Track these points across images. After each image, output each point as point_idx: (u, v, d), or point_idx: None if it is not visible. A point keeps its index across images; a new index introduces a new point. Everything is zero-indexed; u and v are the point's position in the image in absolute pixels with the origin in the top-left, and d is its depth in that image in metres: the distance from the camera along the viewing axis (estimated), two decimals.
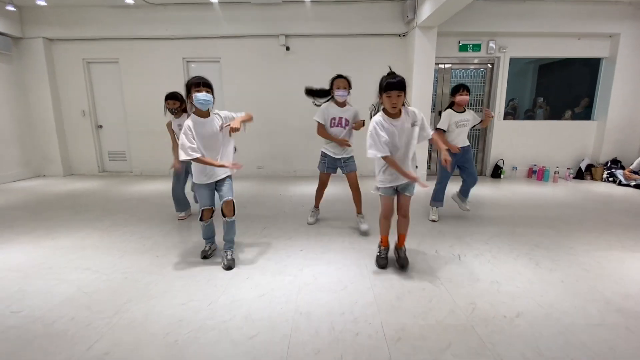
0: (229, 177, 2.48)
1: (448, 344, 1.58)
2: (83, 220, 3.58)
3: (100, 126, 6.33)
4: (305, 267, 2.42)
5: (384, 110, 2.15)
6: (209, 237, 2.62)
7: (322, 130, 3.08)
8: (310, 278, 2.24)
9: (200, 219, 2.49)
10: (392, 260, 2.46)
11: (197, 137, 2.26)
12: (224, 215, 2.44)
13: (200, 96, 2.21)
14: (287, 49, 5.71)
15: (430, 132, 2.25)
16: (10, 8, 5.18)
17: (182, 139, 2.22)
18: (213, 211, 2.52)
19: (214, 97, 2.31)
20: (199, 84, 2.22)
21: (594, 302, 1.95)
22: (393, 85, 2.01)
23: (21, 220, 3.57)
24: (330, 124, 3.05)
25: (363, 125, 3.07)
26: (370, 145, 2.09)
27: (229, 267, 2.40)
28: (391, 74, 2.06)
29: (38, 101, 5.99)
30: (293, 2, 5.43)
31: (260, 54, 5.78)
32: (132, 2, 4.93)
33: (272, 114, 5.98)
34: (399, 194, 2.30)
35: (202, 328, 1.71)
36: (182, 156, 2.20)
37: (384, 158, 2.12)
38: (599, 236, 3.05)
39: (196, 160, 2.24)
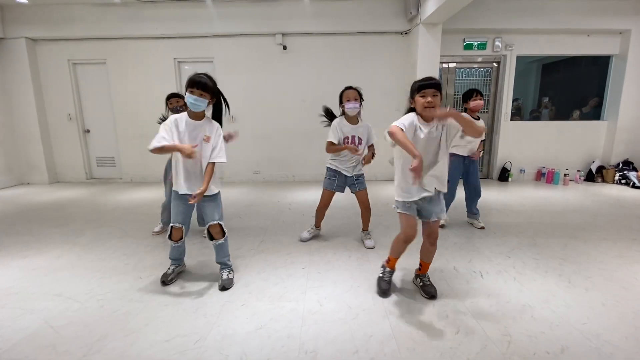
0: (216, 194, 2.16)
1: None
2: (63, 234, 3.27)
3: (88, 131, 6.00)
4: (309, 289, 2.13)
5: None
6: (176, 257, 2.28)
7: (331, 147, 2.71)
8: (315, 304, 1.95)
9: (169, 237, 2.16)
10: (402, 285, 2.18)
11: (181, 136, 2.02)
12: (211, 238, 2.17)
13: (190, 98, 1.96)
14: (284, 48, 5.43)
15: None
16: None
17: (160, 129, 1.99)
18: (184, 232, 2.17)
19: (212, 99, 2.03)
20: (193, 84, 1.95)
21: None
22: (428, 85, 1.75)
23: None
24: (344, 143, 2.71)
25: (373, 158, 2.77)
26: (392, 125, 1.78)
27: (223, 288, 2.14)
28: (425, 78, 1.80)
29: (21, 105, 5.66)
30: None
31: (256, 53, 5.49)
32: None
33: (268, 117, 5.69)
34: (425, 220, 1.95)
35: None
36: (151, 144, 1.94)
37: (392, 133, 1.74)
38: (628, 247, 2.79)
39: (160, 149, 1.93)
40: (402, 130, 1.74)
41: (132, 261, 2.60)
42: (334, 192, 2.86)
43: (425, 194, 1.87)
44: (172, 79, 5.61)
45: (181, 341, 1.63)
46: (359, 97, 2.64)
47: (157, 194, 4.91)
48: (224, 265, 2.24)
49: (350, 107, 2.60)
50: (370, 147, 2.79)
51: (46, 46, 5.65)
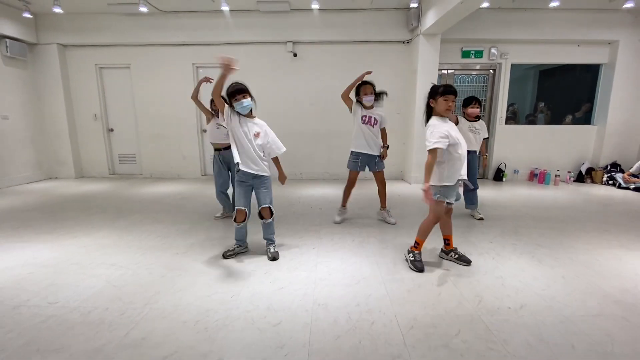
0: (267, 178, 2.62)
1: (457, 331, 1.72)
2: (100, 220, 3.72)
3: (112, 130, 6.49)
4: (319, 263, 2.55)
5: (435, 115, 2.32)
6: (240, 238, 2.71)
7: (347, 90, 3.40)
8: (325, 274, 2.37)
9: (234, 220, 2.61)
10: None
11: (235, 128, 2.44)
12: (261, 217, 2.65)
13: (239, 105, 2.44)
14: (295, 55, 5.88)
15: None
16: (27, 15, 5.35)
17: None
18: (246, 215, 2.61)
19: (252, 98, 2.52)
20: (235, 92, 2.43)
21: (593, 295, 2.08)
22: (452, 90, 2.22)
23: (40, 221, 3.70)
24: (362, 120, 3.34)
25: (385, 155, 3.43)
26: (430, 135, 2.20)
27: (274, 258, 2.62)
28: (449, 85, 2.26)
29: (51, 105, 6.16)
30: (301, 10, 5.60)
31: (269, 60, 5.95)
32: (146, 10, 5.09)
33: (278, 119, 6.08)
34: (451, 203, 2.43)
35: (229, 317, 1.84)
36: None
37: (431, 152, 2.17)
38: (598, 236, 3.18)
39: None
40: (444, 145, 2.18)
41: (167, 241, 3.04)
42: (358, 172, 3.44)
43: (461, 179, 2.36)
44: (190, 83, 6.07)
45: (220, 296, 2.06)
46: (374, 91, 3.30)
47: (176, 188, 5.37)
48: (270, 240, 2.72)
49: (367, 99, 3.29)
50: (383, 131, 3.43)
51: (75, 51, 6.14)
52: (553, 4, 4.74)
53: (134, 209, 4.21)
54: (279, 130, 6.08)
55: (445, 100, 2.23)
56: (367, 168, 3.46)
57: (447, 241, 2.60)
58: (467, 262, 2.52)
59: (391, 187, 5.39)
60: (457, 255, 2.56)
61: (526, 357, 1.53)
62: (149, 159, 6.45)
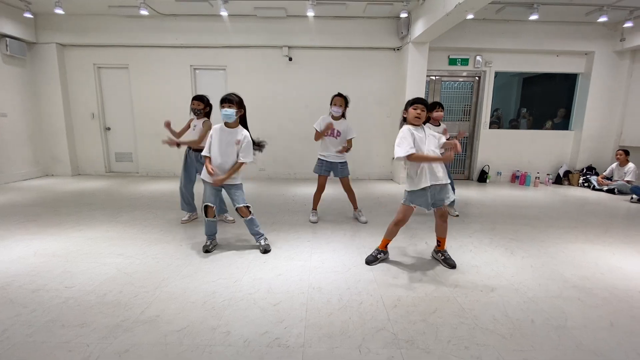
0: (237, 185, 2.76)
1: (435, 309, 1.96)
2: (102, 215, 3.87)
3: (109, 128, 6.61)
4: (313, 254, 2.78)
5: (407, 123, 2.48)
6: (211, 233, 2.84)
7: (317, 135, 3.54)
8: (319, 263, 2.60)
9: (205, 215, 2.76)
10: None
11: (216, 141, 2.67)
12: (241, 216, 2.81)
13: (222, 112, 2.63)
14: (290, 59, 6.11)
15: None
16: (28, 15, 5.46)
17: (208, 139, 2.70)
18: (214, 211, 2.75)
19: (239, 109, 2.68)
20: (222, 101, 2.62)
21: (555, 281, 2.36)
22: (420, 100, 2.41)
23: (44, 216, 3.84)
24: (325, 133, 3.50)
25: (347, 150, 3.56)
26: (398, 144, 2.33)
27: (265, 251, 2.78)
28: (417, 97, 2.47)
29: (49, 103, 6.26)
30: (296, 17, 5.84)
31: (264, 63, 6.17)
32: (147, 13, 5.26)
33: (273, 120, 6.35)
34: (436, 206, 2.48)
35: (233, 298, 2.05)
36: (204, 151, 2.70)
37: (410, 157, 2.28)
38: (568, 232, 3.48)
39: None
40: (414, 151, 2.29)
41: (170, 234, 3.23)
42: (325, 176, 3.64)
43: (438, 182, 2.41)
44: (187, 84, 6.25)
45: (224, 281, 2.27)
46: (344, 104, 3.47)
47: (173, 186, 5.52)
48: (258, 234, 2.86)
49: (334, 110, 3.46)
50: (349, 141, 3.57)
51: (74, 51, 6.26)
52: (533, 17, 5.08)
53: (135, 204, 4.37)
54: (274, 131, 6.42)
55: (415, 109, 2.39)
56: (332, 173, 3.63)
57: (439, 242, 2.65)
58: (452, 266, 2.53)
59: (381, 187, 5.68)
60: (443, 257, 2.60)
61: (492, 329, 1.79)
62: (145, 158, 6.59)
